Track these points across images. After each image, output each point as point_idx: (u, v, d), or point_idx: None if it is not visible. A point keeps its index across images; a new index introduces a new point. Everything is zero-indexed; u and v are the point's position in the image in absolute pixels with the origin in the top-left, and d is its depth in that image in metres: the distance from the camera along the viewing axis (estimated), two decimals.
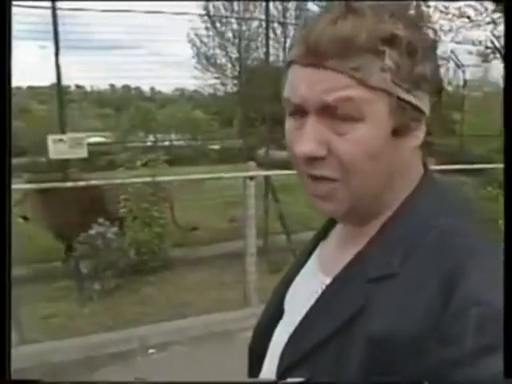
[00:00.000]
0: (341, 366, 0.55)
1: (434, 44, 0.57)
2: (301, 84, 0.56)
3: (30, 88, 17.00)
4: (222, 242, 5.96)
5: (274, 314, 0.74)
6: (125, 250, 4.60)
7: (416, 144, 0.58)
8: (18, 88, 17.01)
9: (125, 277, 4.55)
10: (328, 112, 0.54)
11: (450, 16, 11.15)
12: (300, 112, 0.57)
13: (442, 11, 11.01)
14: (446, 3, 10.77)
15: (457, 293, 0.48)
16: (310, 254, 0.75)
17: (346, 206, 0.59)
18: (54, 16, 4.18)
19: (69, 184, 3.90)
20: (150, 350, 3.51)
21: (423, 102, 0.56)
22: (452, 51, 10.55)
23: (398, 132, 0.55)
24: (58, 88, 4.41)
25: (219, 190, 7.20)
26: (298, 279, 0.73)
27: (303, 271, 0.74)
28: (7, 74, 0.59)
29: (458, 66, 10.66)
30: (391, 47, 0.52)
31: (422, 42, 0.55)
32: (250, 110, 11.42)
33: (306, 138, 0.56)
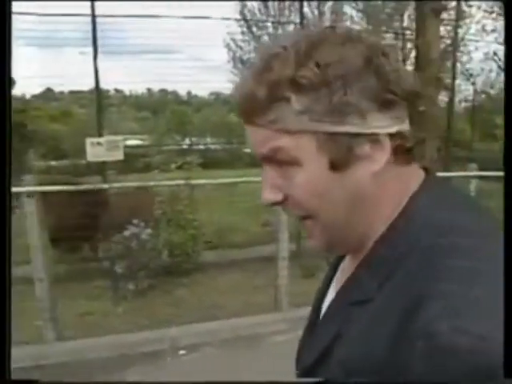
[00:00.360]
0: None
1: (367, 61, 0.54)
2: (248, 139, 0.60)
3: (72, 93, 17.56)
4: (255, 245, 5.96)
5: (312, 323, 0.75)
6: (158, 251, 4.66)
7: (375, 168, 0.55)
8: (61, 93, 17.65)
9: (158, 278, 4.62)
10: (271, 161, 0.58)
11: (494, 15, 10.77)
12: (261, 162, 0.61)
13: (485, 10, 10.65)
14: (491, 1, 10.39)
15: (413, 322, 0.45)
16: (336, 267, 0.76)
17: (323, 240, 0.62)
18: (94, 23, 4.30)
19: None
20: (181, 351, 3.54)
21: (370, 124, 0.54)
22: (495, 52, 10.20)
23: (337, 165, 0.55)
24: (97, 92, 4.54)
25: (253, 193, 7.20)
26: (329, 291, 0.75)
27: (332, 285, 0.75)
28: (7, 76, 0.60)
29: (502, 68, 10.27)
30: (296, 91, 0.53)
31: (344, 68, 0.53)
32: None
33: (264, 187, 0.61)
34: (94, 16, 4.25)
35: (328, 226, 0.59)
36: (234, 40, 14.46)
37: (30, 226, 3.42)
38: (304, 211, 0.59)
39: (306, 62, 0.53)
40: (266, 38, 14.52)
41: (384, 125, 0.54)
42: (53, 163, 11.48)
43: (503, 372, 0.39)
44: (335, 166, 0.55)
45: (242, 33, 14.00)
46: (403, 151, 0.57)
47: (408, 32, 9.61)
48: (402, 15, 11.10)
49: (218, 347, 3.60)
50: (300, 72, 0.53)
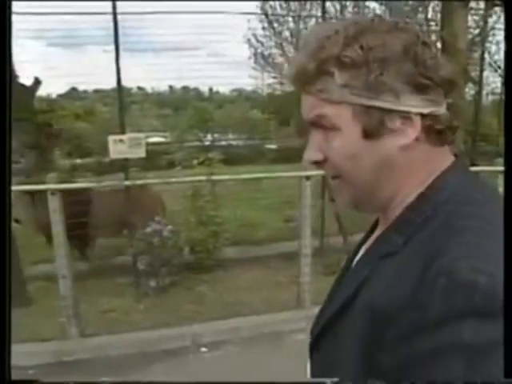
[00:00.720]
0: (348, 334, 0.64)
1: (406, 48, 0.62)
2: (302, 107, 0.70)
3: (95, 91, 17.79)
4: (278, 241, 5.92)
5: (339, 281, 0.81)
6: (180, 247, 4.66)
7: (404, 142, 0.64)
8: (85, 91, 17.91)
9: (180, 274, 4.62)
10: (316, 125, 0.68)
11: None
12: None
13: None
14: None
15: (434, 264, 0.52)
16: (367, 237, 0.82)
17: (347, 198, 0.71)
18: (115, 21, 4.31)
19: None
20: (203, 349, 3.53)
21: (402, 103, 0.62)
22: None
23: (369, 134, 0.64)
24: (119, 90, 4.55)
25: (276, 189, 7.16)
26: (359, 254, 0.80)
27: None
28: (7, 75, 0.59)
29: None
30: (340, 67, 0.63)
31: (384, 52, 0.61)
32: None
33: (308, 147, 0.71)
34: (115, 14, 4.26)
35: (354, 186, 0.68)
36: (255, 36, 14.41)
37: (53, 223, 3.45)
38: (336, 171, 0.69)
39: (352, 44, 0.62)
40: (286, 33, 14.42)
41: (416, 105, 0.63)
42: (77, 161, 11.68)
43: (503, 372, 0.44)
44: (367, 135, 0.64)
45: (263, 28, 13.93)
46: (434, 132, 0.65)
47: (432, 23, 9.38)
48: (426, 7, 10.85)
49: (239, 345, 3.59)
50: (345, 52, 0.62)
